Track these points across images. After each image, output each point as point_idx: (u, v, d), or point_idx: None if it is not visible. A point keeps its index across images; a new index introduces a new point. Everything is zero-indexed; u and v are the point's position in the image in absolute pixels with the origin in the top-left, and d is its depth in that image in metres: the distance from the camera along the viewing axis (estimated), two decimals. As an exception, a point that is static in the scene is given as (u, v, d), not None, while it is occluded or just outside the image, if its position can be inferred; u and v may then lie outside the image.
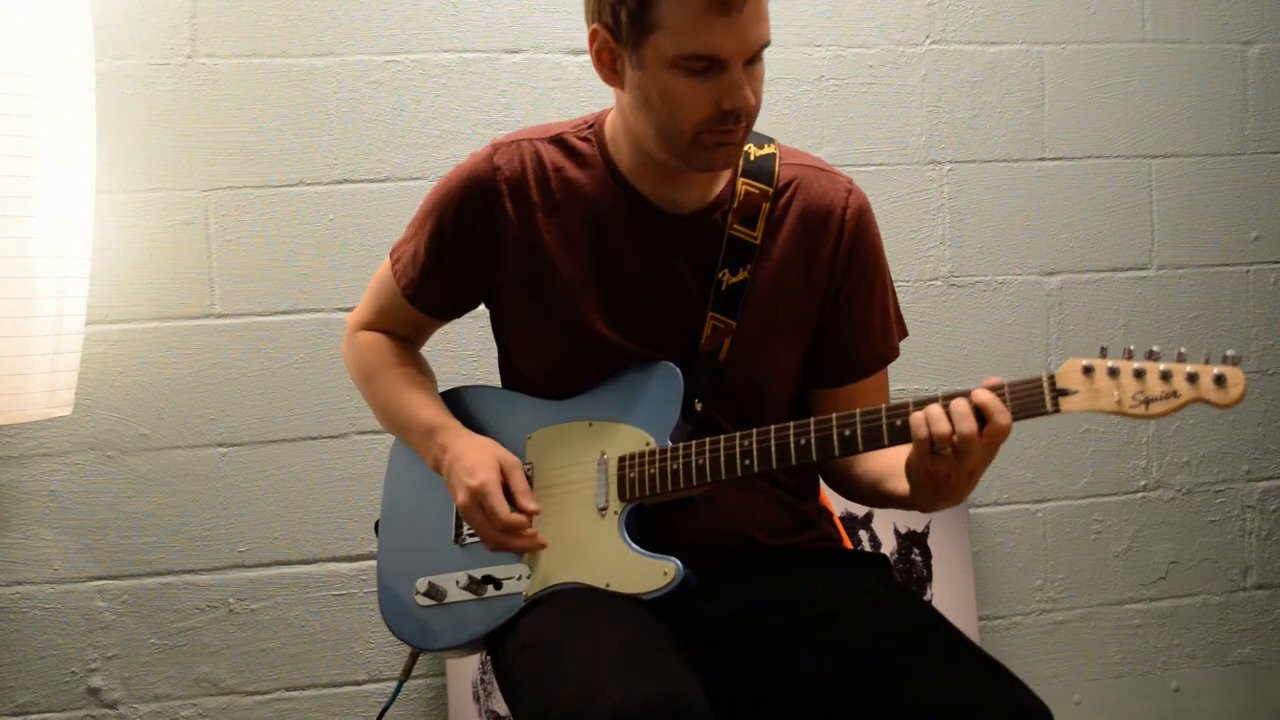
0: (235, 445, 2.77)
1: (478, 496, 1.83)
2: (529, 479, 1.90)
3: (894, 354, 2.00)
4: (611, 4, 1.76)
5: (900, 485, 1.80)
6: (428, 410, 1.97)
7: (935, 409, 1.67)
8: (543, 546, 1.85)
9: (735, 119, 1.77)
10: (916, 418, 1.68)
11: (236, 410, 2.76)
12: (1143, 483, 3.13)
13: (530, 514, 1.83)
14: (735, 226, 1.89)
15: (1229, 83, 3.15)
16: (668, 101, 1.77)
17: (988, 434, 1.66)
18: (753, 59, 1.76)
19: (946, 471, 1.68)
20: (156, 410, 2.74)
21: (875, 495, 1.91)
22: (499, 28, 2.84)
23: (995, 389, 1.67)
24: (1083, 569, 3.11)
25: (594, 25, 1.81)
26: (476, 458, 1.87)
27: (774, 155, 1.93)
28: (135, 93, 2.71)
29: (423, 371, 2.07)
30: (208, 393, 2.75)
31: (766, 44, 1.77)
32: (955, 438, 1.65)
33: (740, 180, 1.90)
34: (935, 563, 2.97)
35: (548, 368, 1.95)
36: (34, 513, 2.70)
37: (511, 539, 1.83)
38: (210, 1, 2.73)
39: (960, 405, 1.66)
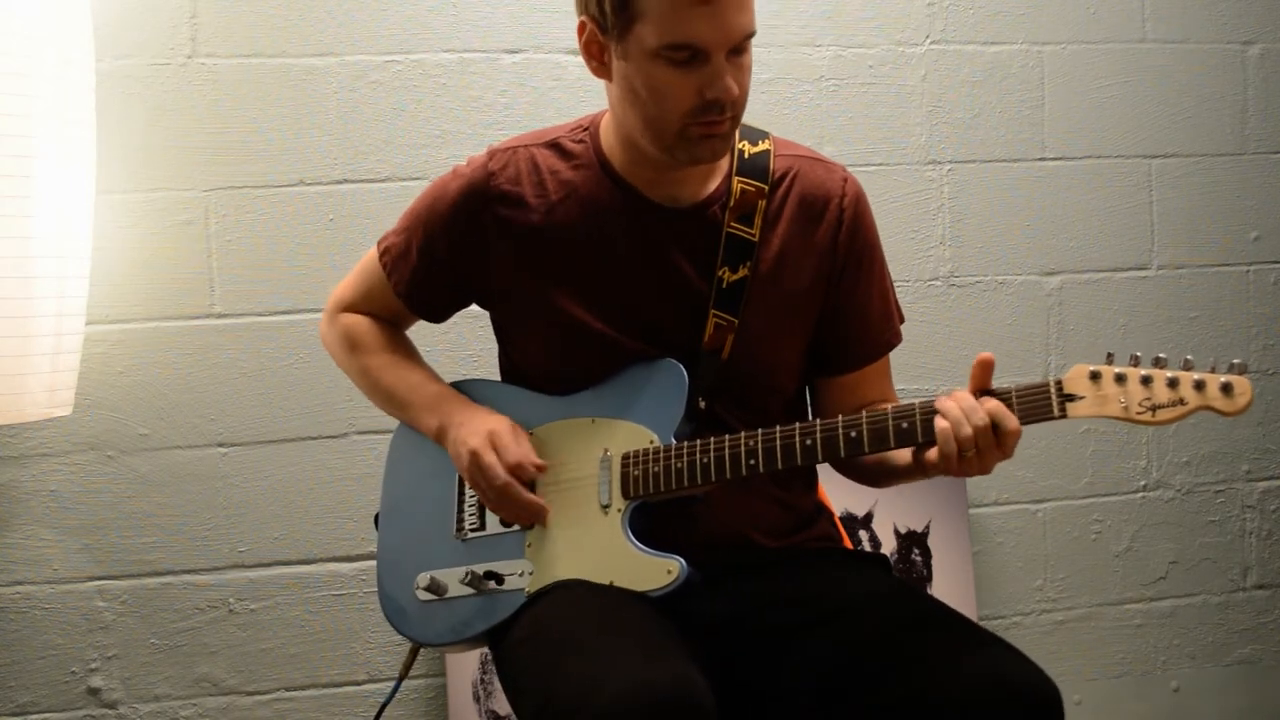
0: (235, 445, 2.76)
1: (481, 448, 1.85)
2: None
3: (897, 339, 2.00)
4: None
5: (903, 458, 1.82)
6: (432, 383, 2.00)
7: (951, 420, 1.69)
8: (546, 511, 1.86)
9: (720, 109, 1.77)
10: (942, 431, 1.69)
11: (236, 410, 2.76)
12: (1143, 483, 3.13)
13: (539, 468, 1.86)
14: (732, 224, 1.89)
15: (1229, 83, 3.15)
16: (653, 93, 1.77)
17: (1001, 438, 1.71)
18: (737, 49, 1.76)
19: (969, 470, 1.72)
20: (156, 410, 2.73)
21: (876, 471, 1.93)
22: (499, 28, 2.84)
23: (1003, 397, 1.69)
24: (1083, 569, 3.11)
25: (582, 17, 1.82)
26: (482, 420, 1.89)
27: (768, 151, 1.93)
28: (135, 93, 2.71)
29: (414, 351, 2.08)
30: (207, 393, 2.75)
31: (750, 34, 1.77)
32: (976, 440, 1.69)
33: (736, 179, 1.90)
34: (935, 563, 2.97)
35: (551, 366, 1.95)
36: (34, 513, 2.70)
37: (515, 494, 1.85)
38: (210, 1, 2.73)
39: (973, 409, 1.69)
